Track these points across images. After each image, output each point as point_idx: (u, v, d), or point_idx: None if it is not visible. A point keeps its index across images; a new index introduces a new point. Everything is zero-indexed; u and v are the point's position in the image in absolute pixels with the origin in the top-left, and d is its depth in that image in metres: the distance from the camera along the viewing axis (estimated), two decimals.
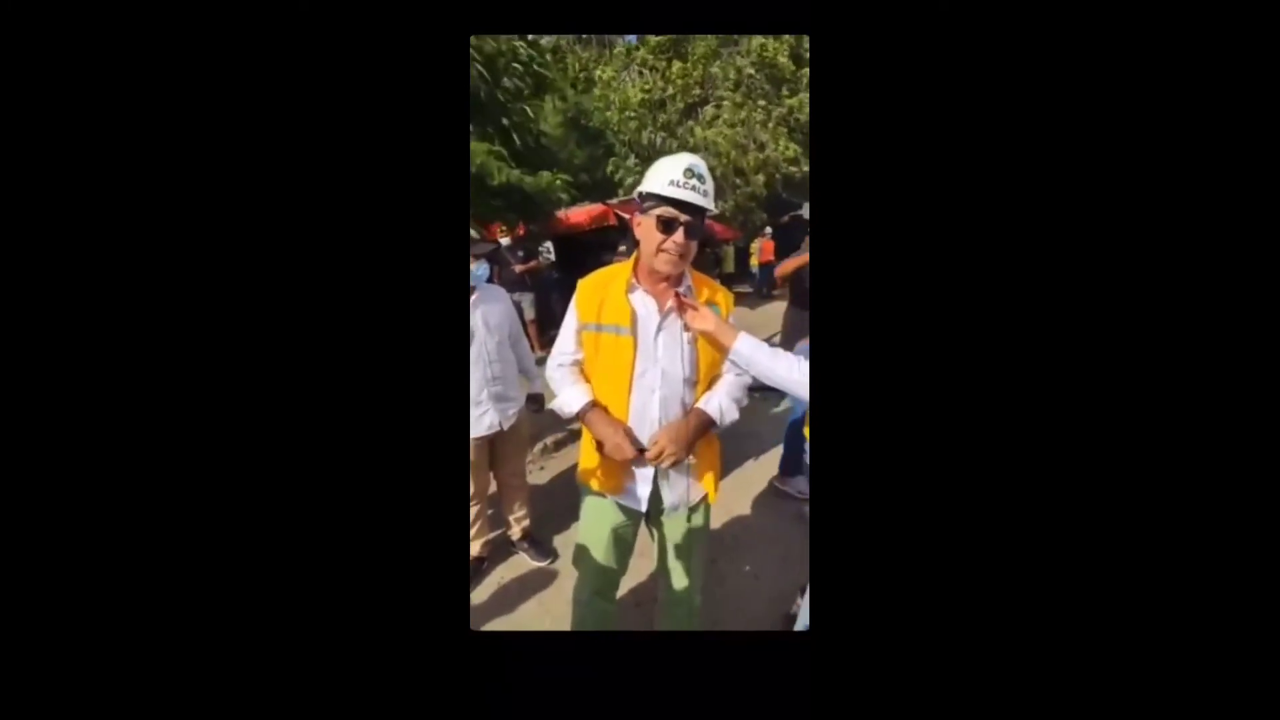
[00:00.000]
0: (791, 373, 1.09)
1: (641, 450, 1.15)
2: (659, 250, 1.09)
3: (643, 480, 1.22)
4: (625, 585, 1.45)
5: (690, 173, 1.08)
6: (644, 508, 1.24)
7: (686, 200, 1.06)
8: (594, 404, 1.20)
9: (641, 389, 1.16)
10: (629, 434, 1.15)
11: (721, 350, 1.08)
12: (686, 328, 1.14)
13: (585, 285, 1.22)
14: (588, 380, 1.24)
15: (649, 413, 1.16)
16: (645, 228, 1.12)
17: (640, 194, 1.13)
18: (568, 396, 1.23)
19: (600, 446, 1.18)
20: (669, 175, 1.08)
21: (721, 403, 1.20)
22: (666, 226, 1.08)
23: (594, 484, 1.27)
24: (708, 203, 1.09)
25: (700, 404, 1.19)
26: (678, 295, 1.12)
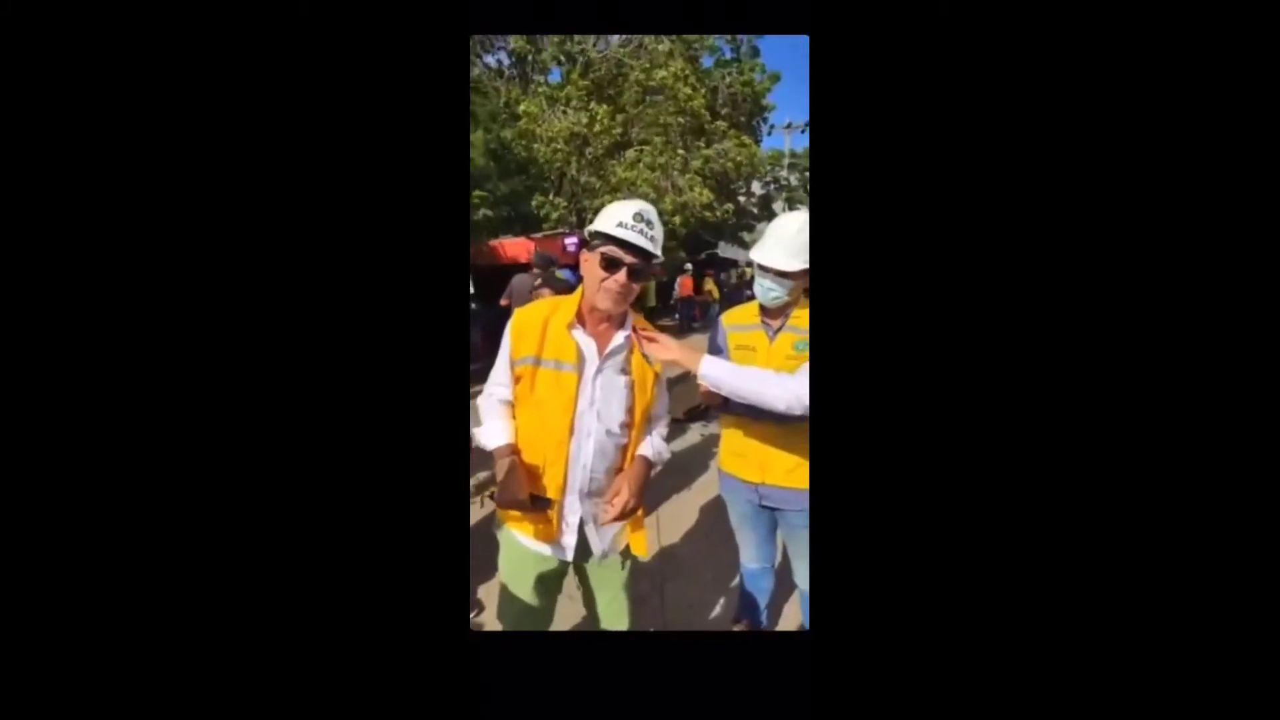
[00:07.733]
0: (766, 386, 1.16)
1: (542, 503, 1.10)
2: (601, 286, 1.12)
3: (568, 530, 1.16)
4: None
5: (639, 217, 1.12)
6: (569, 556, 1.17)
7: (631, 241, 1.10)
8: (512, 449, 1.14)
9: (580, 431, 1.13)
10: (533, 496, 1.11)
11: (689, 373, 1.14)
12: (646, 359, 1.17)
13: (522, 317, 1.18)
14: (514, 420, 1.20)
15: (582, 455, 1.13)
16: (590, 264, 1.14)
17: (590, 232, 1.17)
18: (490, 430, 1.18)
19: (501, 492, 1.11)
20: (618, 217, 1.12)
21: (655, 444, 1.22)
22: (610, 265, 1.11)
23: (516, 527, 1.20)
24: (653, 248, 1.13)
25: (640, 450, 1.19)
26: (636, 329, 1.14)
